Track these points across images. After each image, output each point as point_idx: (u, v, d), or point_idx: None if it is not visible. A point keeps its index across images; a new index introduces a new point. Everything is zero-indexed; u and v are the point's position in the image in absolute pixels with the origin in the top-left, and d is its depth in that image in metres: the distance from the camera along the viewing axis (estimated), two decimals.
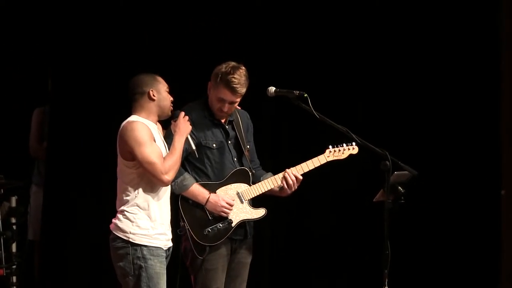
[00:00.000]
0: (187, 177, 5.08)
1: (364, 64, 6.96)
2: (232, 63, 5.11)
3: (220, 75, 5.08)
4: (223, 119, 5.21)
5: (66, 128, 6.91)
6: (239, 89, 5.06)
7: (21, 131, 7.38)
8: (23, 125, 7.35)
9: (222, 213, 5.10)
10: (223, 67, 5.10)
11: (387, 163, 4.77)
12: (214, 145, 5.18)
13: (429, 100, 6.87)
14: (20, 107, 7.62)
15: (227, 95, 5.07)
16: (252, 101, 5.39)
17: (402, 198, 4.88)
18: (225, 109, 5.12)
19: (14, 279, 7.27)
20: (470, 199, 6.78)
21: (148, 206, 4.75)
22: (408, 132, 6.83)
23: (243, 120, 5.34)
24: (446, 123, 6.85)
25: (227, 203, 5.11)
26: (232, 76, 5.05)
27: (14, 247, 7.42)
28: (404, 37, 6.90)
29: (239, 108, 5.37)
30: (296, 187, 5.25)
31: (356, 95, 6.97)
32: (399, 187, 4.87)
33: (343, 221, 6.93)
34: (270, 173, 5.34)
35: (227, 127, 5.25)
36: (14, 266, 7.24)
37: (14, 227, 7.42)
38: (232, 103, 5.12)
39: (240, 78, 5.06)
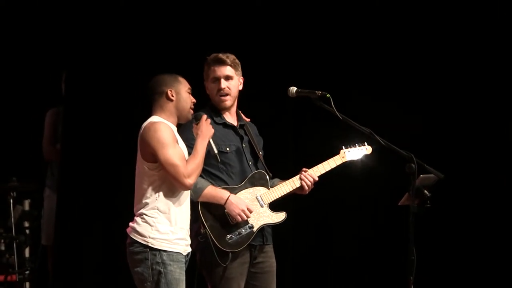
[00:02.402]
0: (201, 180, 5.07)
1: (387, 63, 7.03)
2: None
3: (206, 61, 5.31)
4: (226, 105, 5.27)
5: (80, 129, 6.93)
6: (225, 59, 5.25)
7: (34, 133, 7.37)
8: (36, 126, 7.33)
9: (238, 217, 5.11)
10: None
11: (413, 165, 4.77)
12: (228, 149, 5.24)
13: (455, 101, 6.94)
14: (33, 108, 7.63)
15: (216, 70, 5.24)
16: (273, 101, 5.44)
17: (428, 202, 4.87)
18: (222, 85, 5.23)
19: (27, 285, 7.37)
20: (499, 203, 6.79)
21: (169, 210, 4.76)
22: (434, 134, 6.89)
23: (252, 130, 5.43)
24: (473, 125, 6.87)
25: (248, 209, 5.13)
26: (216, 54, 5.28)
27: (27, 252, 7.46)
28: (431, 35, 6.94)
29: (248, 120, 5.46)
30: (312, 186, 5.31)
31: (380, 96, 7.01)
32: (425, 191, 4.86)
33: (368, 226, 7.00)
34: (277, 179, 5.38)
35: (239, 130, 5.33)
36: (27, 272, 7.30)
37: (27, 231, 7.47)
38: (226, 78, 5.25)
39: (223, 54, 5.27)
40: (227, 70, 5.26)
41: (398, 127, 6.70)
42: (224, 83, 5.25)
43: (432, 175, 4.91)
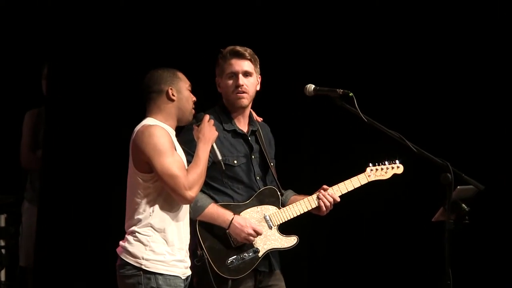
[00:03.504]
0: (202, 197, 5.06)
1: (419, 60, 7.02)
2: None
3: (222, 54, 5.28)
4: (243, 103, 5.22)
5: (64, 133, 6.91)
6: (243, 52, 5.24)
7: (10, 138, 7.36)
8: (12, 130, 7.32)
9: (246, 241, 5.10)
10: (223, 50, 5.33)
11: (449, 175, 4.71)
12: (235, 161, 5.21)
13: (495, 104, 6.90)
14: (9, 108, 7.61)
15: (234, 64, 5.23)
16: (288, 101, 5.39)
17: (466, 217, 4.85)
18: (240, 81, 5.19)
19: None
20: None
21: (165, 227, 4.68)
22: (473, 140, 6.84)
23: (264, 132, 5.40)
24: None
25: (255, 231, 5.09)
26: (233, 46, 5.27)
27: (2, 275, 7.45)
28: (465, 36, 7.00)
29: (260, 120, 5.43)
30: (332, 207, 5.29)
31: (411, 96, 6.99)
32: (463, 205, 4.85)
33: (397, 246, 6.94)
34: (290, 191, 5.38)
35: (249, 138, 5.29)
36: None
37: (3, 250, 7.44)
38: (245, 74, 5.22)
39: (241, 47, 5.26)
40: (246, 65, 5.23)
41: (432, 132, 6.67)
42: (242, 80, 5.20)
43: (471, 186, 4.89)
